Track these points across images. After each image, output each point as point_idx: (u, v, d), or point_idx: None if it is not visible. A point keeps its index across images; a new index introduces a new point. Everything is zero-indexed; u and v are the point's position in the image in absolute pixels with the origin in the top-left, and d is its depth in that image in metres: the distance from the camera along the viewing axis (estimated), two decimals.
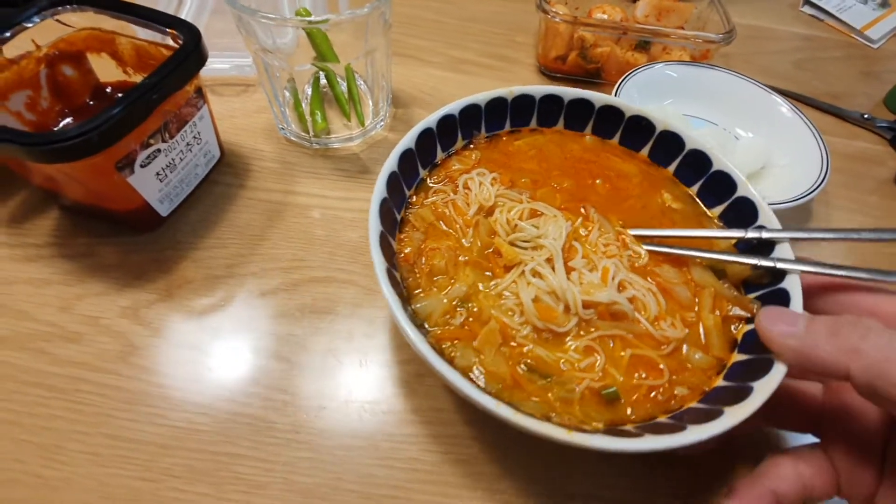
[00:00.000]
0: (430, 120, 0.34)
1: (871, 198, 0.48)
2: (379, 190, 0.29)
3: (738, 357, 0.26)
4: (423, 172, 0.34)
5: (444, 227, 0.31)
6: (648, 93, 0.46)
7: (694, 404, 0.25)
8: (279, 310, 0.34)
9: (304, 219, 0.39)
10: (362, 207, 0.40)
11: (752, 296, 0.28)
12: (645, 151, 0.36)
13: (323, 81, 0.44)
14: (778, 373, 0.22)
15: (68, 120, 0.38)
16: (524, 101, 0.36)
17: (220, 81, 0.48)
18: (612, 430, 0.23)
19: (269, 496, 0.27)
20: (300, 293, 0.35)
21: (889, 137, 0.52)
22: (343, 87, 0.42)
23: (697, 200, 0.34)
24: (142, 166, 0.32)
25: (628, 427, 0.24)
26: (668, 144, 0.35)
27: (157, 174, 0.34)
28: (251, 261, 0.36)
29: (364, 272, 0.36)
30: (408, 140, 0.32)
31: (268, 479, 0.27)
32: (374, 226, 0.27)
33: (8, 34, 0.33)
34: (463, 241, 0.31)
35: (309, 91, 0.44)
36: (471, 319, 0.27)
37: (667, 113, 0.46)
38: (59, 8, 0.35)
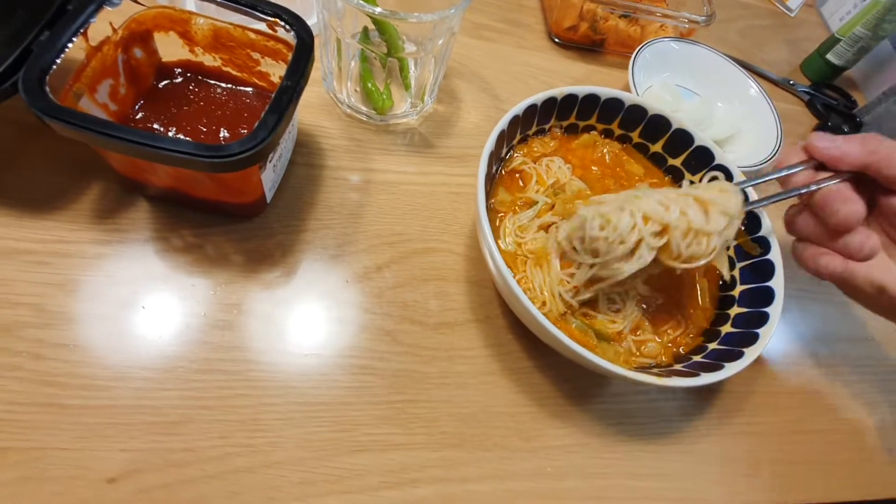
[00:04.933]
0: (518, 108, 0.39)
1: (788, 144, 0.63)
2: (482, 168, 0.35)
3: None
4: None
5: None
6: (654, 65, 0.54)
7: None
8: (398, 281, 0.39)
9: (389, 195, 0.43)
10: (438, 181, 0.45)
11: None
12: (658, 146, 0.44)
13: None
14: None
15: (142, 105, 0.36)
16: (571, 99, 0.42)
17: None
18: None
19: (440, 429, 0.35)
20: (409, 265, 0.40)
21: (805, 100, 0.67)
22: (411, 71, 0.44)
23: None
24: (270, 161, 0.34)
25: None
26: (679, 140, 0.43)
27: (274, 165, 0.36)
28: (357, 238, 0.40)
29: (455, 240, 0.42)
30: (502, 124, 0.38)
31: (436, 414, 0.35)
32: (481, 203, 0.33)
33: (94, 20, 0.31)
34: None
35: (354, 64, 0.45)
36: None
37: (664, 85, 0.55)
38: None
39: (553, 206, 0.38)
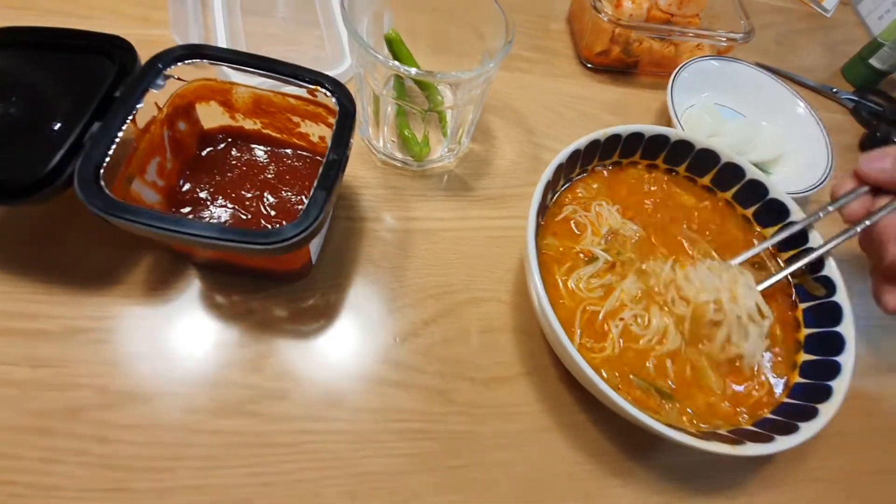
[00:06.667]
0: (561, 155, 0.38)
1: (837, 161, 0.60)
2: (531, 223, 0.34)
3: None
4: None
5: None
6: (693, 85, 0.52)
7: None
8: (446, 335, 0.39)
9: (431, 244, 0.42)
10: (479, 225, 0.44)
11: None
12: (707, 179, 0.43)
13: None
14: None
15: (187, 176, 0.36)
16: (615, 139, 0.41)
17: None
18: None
19: (498, 493, 0.34)
20: (456, 317, 0.40)
21: (850, 108, 0.64)
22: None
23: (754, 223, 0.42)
24: None
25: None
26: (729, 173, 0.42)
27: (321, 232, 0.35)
28: (403, 293, 0.40)
29: (501, 288, 0.42)
30: (547, 174, 0.37)
31: (492, 477, 0.34)
32: (532, 259, 0.33)
33: (141, 104, 0.31)
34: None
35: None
36: None
37: (704, 107, 0.53)
38: (179, 65, 0.32)
39: (613, 266, 0.37)
